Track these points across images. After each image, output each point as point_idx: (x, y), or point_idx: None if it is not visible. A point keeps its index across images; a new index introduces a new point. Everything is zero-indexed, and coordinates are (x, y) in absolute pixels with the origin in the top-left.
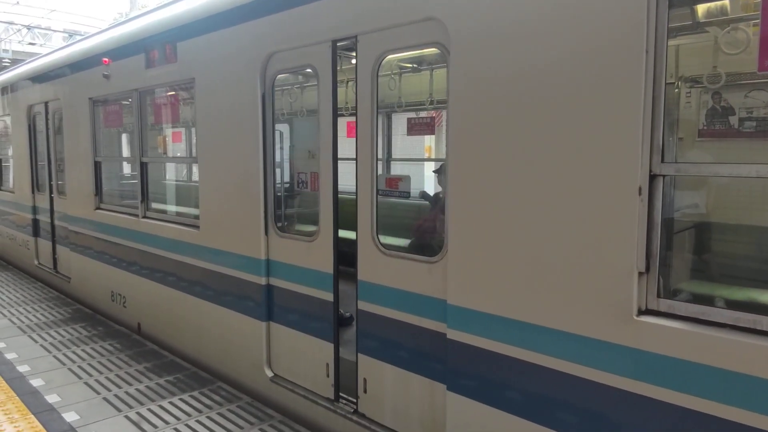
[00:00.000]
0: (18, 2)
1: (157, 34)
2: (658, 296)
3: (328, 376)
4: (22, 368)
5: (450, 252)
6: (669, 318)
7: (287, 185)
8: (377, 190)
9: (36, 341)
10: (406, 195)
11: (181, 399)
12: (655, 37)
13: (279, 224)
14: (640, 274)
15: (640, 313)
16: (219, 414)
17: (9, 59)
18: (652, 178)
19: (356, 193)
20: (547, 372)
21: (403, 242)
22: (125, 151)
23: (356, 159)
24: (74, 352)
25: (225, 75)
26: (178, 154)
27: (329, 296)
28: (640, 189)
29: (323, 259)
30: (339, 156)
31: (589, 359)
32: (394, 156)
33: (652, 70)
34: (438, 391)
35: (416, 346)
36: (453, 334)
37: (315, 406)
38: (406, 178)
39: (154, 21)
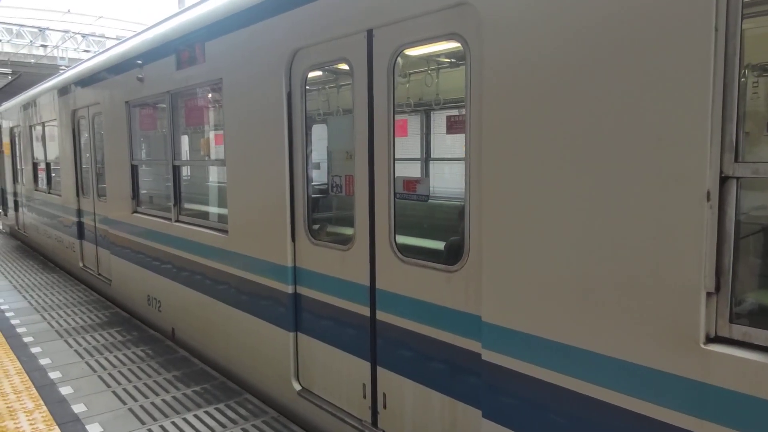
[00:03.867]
0: (69, 11)
1: (185, 35)
2: (731, 321)
3: (365, 397)
4: (54, 375)
5: (485, 264)
6: (744, 347)
7: (322, 189)
8: (395, 193)
9: (71, 346)
10: (425, 198)
11: (206, 412)
12: (727, 13)
13: (312, 231)
14: (709, 294)
15: (708, 340)
16: (243, 430)
17: (65, 66)
18: (724, 180)
19: (373, 196)
20: (598, 404)
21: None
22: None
23: (373, 160)
24: (106, 359)
25: (250, 74)
26: (206, 157)
27: (365, 310)
28: (708, 194)
29: (359, 270)
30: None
31: (646, 392)
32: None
33: (722, 52)
34: (466, 414)
35: (441, 363)
36: (489, 356)
37: (346, 426)
38: (425, 181)
39: (184, 22)
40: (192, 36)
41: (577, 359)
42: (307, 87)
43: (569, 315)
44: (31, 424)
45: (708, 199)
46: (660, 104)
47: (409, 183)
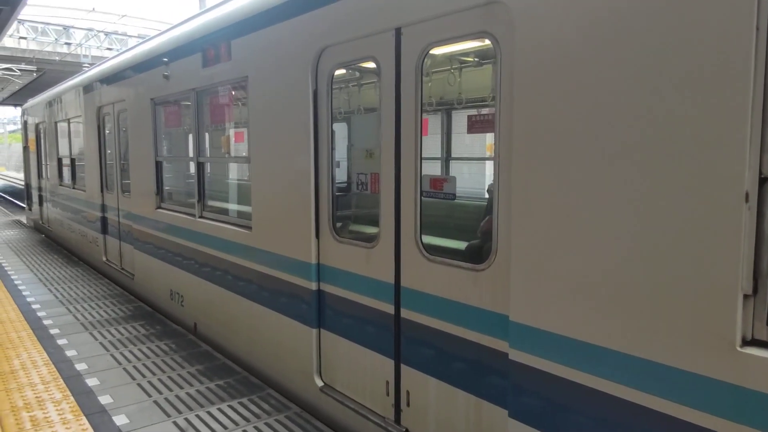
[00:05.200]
0: (93, 9)
1: (212, 33)
2: None
3: (387, 394)
4: (80, 366)
5: (513, 263)
6: None
7: (342, 187)
8: (421, 192)
9: (96, 338)
10: (452, 197)
11: (229, 406)
12: None
13: (336, 228)
14: (746, 297)
15: (745, 343)
16: (266, 424)
17: (88, 64)
18: (763, 181)
19: (399, 193)
20: (630, 406)
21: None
22: (184, 151)
23: (400, 158)
24: (131, 351)
25: (276, 72)
26: (226, 154)
27: (390, 308)
28: (747, 195)
29: (383, 268)
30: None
31: (680, 395)
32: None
33: (764, 51)
34: (491, 413)
35: (466, 362)
36: (516, 356)
37: (369, 423)
38: (452, 179)
39: (210, 20)
40: (218, 34)
41: (608, 360)
42: (333, 85)
43: (601, 315)
44: (59, 414)
45: (746, 200)
46: (699, 103)
47: (436, 181)
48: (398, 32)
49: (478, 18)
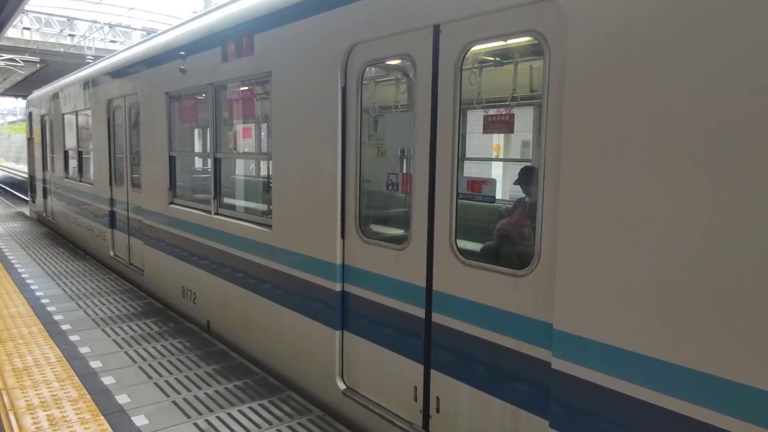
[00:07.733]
0: (100, 1)
1: (234, 26)
2: None
3: (415, 400)
4: (95, 364)
5: (559, 270)
6: None
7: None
8: (458, 194)
9: (109, 335)
10: (491, 199)
11: (250, 408)
12: None
13: (363, 228)
14: None
15: None
16: (289, 428)
17: (92, 56)
18: None
19: (433, 195)
20: (689, 423)
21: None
22: (199, 147)
23: (435, 159)
24: (145, 349)
25: (303, 68)
26: (246, 150)
27: (420, 312)
28: None
29: (414, 270)
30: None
31: (750, 414)
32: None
33: None
34: (530, 423)
35: (503, 369)
36: (561, 365)
37: (394, 428)
38: (491, 182)
39: (232, 13)
40: (240, 28)
41: (664, 374)
42: (364, 82)
43: (658, 326)
44: (77, 414)
45: None
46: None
47: (474, 183)
48: (437, 29)
49: (526, 16)
